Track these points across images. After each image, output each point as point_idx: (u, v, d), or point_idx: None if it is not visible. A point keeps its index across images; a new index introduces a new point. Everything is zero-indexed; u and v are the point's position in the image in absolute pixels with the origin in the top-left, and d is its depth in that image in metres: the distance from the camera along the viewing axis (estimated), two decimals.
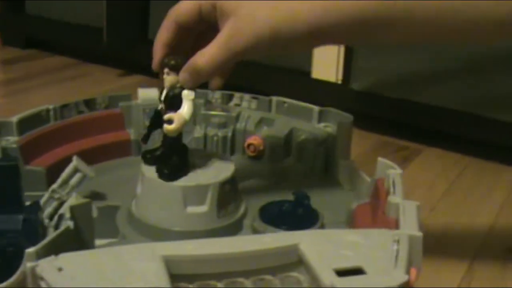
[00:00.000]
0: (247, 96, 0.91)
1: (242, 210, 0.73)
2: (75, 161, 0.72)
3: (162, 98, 0.68)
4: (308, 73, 1.35)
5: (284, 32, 0.62)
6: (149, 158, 0.70)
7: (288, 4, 0.62)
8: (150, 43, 0.70)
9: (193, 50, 0.66)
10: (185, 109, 0.67)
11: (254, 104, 0.90)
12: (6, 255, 0.55)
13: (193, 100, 0.67)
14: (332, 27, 0.62)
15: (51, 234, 0.56)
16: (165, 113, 0.67)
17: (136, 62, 1.47)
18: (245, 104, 0.91)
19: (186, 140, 0.86)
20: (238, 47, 0.62)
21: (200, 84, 0.67)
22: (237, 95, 0.91)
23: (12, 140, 0.77)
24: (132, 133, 0.87)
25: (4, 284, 0.55)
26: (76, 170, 0.72)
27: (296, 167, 0.87)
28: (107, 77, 1.60)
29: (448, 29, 0.62)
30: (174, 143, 0.68)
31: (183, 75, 0.65)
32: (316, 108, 0.87)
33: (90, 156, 0.80)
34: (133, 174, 0.73)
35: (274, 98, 0.90)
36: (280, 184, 0.84)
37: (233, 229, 0.71)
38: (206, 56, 0.63)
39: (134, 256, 0.53)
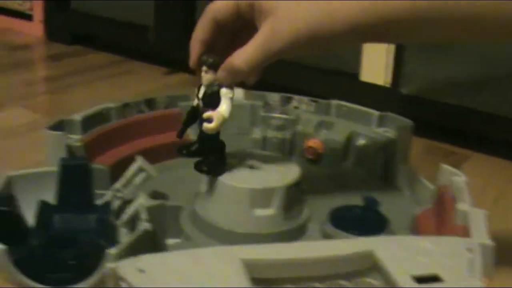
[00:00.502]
0: (305, 99, 0.91)
1: (306, 213, 0.73)
2: (139, 161, 0.72)
3: (200, 95, 0.67)
4: (356, 76, 1.35)
5: (321, 32, 0.62)
6: (185, 153, 0.70)
7: (325, 4, 0.61)
8: None
9: (229, 47, 0.66)
10: (224, 107, 0.66)
11: (312, 107, 0.90)
12: (83, 255, 0.56)
13: (232, 98, 0.67)
14: (369, 26, 0.61)
15: (131, 236, 0.56)
16: (202, 110, 0.66)
17: (182, 61, 1.47)
18: (303, 107, 0.91)
19: (244, 141, 0.86)
20: (276, 48, 0.62)
21: (238, 82, 0.67)
22: (296, 97, 0.91)
23: (76, 138, 0.77)
24: (193, 134, 0.87)
25: (84, 284, 0.55)
26: (140, 170, 0.72)
27: (354, 171, 0.87)
28: (152, 75, 1.60)
29: (487, 27, 0.62)
30: (211, 140, 0.67)
31: (221, 73, 0.65)
32: (376, 113, 0.87)
33: (150, 155, 0.80)
34: (192, 173, 0.73)
35: (334, 102, 0.90)
36: (338, 188, 0.84)
37: (298, 233, 0.71)
38: (244, 56, 0.63)
39: (214, 259, 0.54)
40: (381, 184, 0.83)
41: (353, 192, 0.80)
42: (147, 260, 0.54)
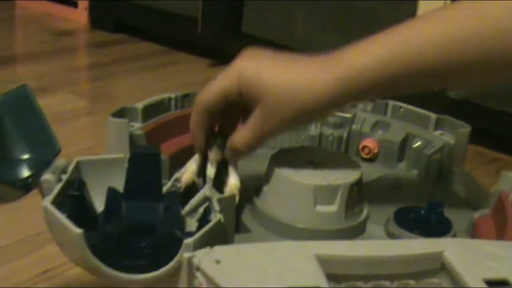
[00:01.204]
0: None
1: (365, 212, 0.73)
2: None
3: (210, 174, 0.70)
4: None
5: (305, 115, 0.67)
6: None
7: (308, 88, 0.65)
8: (243, 36, 0.71)
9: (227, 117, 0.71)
10: (235, 177, 0.70)
11: (369, 106, 0.90)
12: (160, 244, 0.56)
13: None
14: (353, 98, 0.69)
15: (206, 226, 0.57)
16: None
17: (227, 54, 1.48)
18: (360, 106, 0.91)
19: (300, 138, 0.86)
20: (268, 131, 0.67)
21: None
22: None
23: (137, 127, 0.78)
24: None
25: (159, 272, 0.56)
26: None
27: (409, 172, 0.87)
28: (196, 67, 1.61)
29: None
30: None
31: (227, 154, 0.70)
32: (433, 115, 0.87)
33: None
34: (248, 165, 0.74)
35: (391, 102, 0.90)
36: (393, 189, 0.84)
37: (357, 231, 0.71)
38: (241, 139, 0.68)
39: (288, 253, 0.54)
40: (436, 187, 0.83)
41: (409, 193, 0.80)
42: (223, 251, 0.54)
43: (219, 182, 0.70)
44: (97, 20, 1.87)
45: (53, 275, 0.88)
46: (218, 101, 0.68)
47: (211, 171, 0.70)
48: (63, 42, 1.78)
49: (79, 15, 1.90)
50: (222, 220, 0.58)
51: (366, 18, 1.46)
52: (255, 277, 0.51)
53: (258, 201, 0.73)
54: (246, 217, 0.72)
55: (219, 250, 0.54)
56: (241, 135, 0.69)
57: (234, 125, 0.71)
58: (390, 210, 0.73)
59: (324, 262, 0.54)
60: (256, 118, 0.67)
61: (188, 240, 0.54)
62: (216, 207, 0.60)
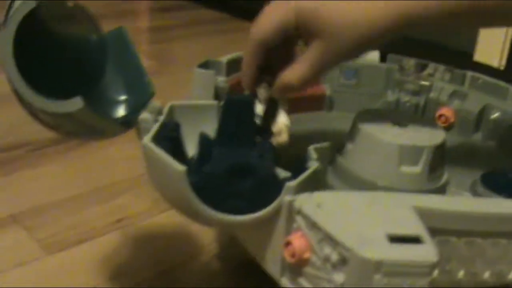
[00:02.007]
0: (441, 68, 0.91)
1: (446, 176, 0.73)
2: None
3: (260, 113, 0.70)
4: (470, 55, 1.34)
5: (365, 43, 0.65)
6: None
7: (368, 15, 0.64)
8: None
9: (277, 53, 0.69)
10: (284, 116, 0.70)
11: (447, 76, 0.90)
12: (261, 185, 0.57)
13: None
14: (412, 24, 0.65)
15: (305, 172, 0.57)
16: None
17: None
18: (438, 76, 0.91)
19: (376, 103, 0.87)
20: (325, 65, 0.66)
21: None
22: (431, 65, 0.91)
23: (223, 79, 0.79)
24: (328, 88, 0.88)
25: (259, 214, 0.56)
26: None
27: (485, 143, 0.87)
28: None
29: None
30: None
31: (276, 91, 0.69)
32: (511, 88, 0.87)
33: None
34: (322, 128, 0.73)
35: (469, 73, 0.90)
36: (468, 157, 0.84)
37: (438, 194, 0.71)
38: (297, 73, 0.66)
39: (388, 203, 0.55)
40: (510, 159, 0.83)
41: (485, 162, 0.80)
42: (324, 196, 0.55)
43: (268, 120, 0.70)
44: None
45: (126, 224, 0.90)
46: (276, 35, 0.67)
47: (260, 108, 0.70)
48: (127, 6, 1.79)
49: None
50: (320, 168, 0.59)
51: None
52: (357, 222, 0.51)
53: (340, 159, 0.73)
54: (329, 175, 0.73)
55: (321, 195, 0.55)
56: (297, 69, 0.67)
57: (285, 61, 0.69)
58: (468, 177, 0.73)
59: (422, 214, 0.54)
60: (314, 50, 0.66)
61: (290, 183, 0.55)
62: (313, 155, 0.60)
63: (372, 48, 0.69)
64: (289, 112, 0.79)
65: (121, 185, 0.99)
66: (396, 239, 0.50)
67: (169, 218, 0.91)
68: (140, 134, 0.64)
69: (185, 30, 1.64)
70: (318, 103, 0.88)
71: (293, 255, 0.54)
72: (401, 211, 0.53)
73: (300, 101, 0.86)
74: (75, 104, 0.59)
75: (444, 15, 0.64)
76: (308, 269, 0.53)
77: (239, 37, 1.59)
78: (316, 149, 0.61)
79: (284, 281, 0.56)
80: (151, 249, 0.86)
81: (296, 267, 0.55)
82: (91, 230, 0.88)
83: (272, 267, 0.57)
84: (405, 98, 0.88)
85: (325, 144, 0.62)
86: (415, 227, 0.51)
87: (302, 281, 0.55)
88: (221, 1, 1.74)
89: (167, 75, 1.20)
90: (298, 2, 0.65)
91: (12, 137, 1.11)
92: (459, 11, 0.63)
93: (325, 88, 0.87)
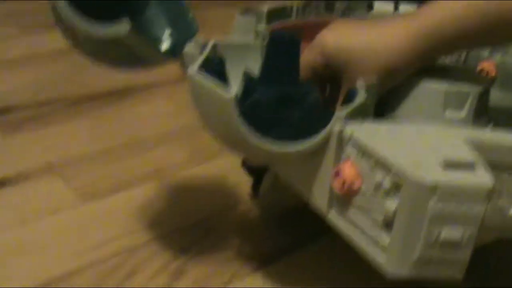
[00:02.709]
0: None
1: (490, 125, 0.72)
2: None
3: None
4: None
5: (389, 74, 0.66)
6: None
7: (388, 46, 0.65)
8: None
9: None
10: None
11: None
12: (311, 114, 0.56)
13: None
14: (433, 52, 0.67)
15: (352, 104, 0.56)
16: None
17: None
18: None
19: None
20: None
21: None
22: None
23: (263, 27, 0.78)
24: None
25: (310, 142, 0.56)
26: None
27: None
28: None
29: None
30: None
31: None
32: None
33: None
34: None
35: None
36: (511, 111, 0.83)
37: None
38: None
39: (441, 134, 0.54)
40: None
41: None
42: (375, 125, 0.54)
43: None
44: None
45: (161, 175, 0.89)
46: (305, 75, 0.67)
47: None
48: None
49: None
50: (366, 101, 0.58)
51: None
52: (410, 149, 0.51)
53: (385, 103, 0.72)
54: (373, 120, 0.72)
55: (371, 124, 0.54)
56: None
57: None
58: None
59: (474, 146, 0.53)
60: (344, 84, 0.67)
61: (339, 113, 0.54)
62: (362, 88, 0.59)
63: (403, 76, 0.68)
64: None
65: (155, 139, 0.99)
66: (451, 165, 0.49)
67: (206, 171, 0.91)
68: (184, 68, 0.63)
69: None
70: None
71: (343, 185, 0.53)
72: (454, 140, 0.52)
73: None
74: (122, 26, 0.58)
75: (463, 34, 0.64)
76: (358, 200, 0.53)
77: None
78: (364, 84, 0.60)
79: (332, 214, 0.56)
80: (188, 199, 0.85)
81: (346, 198, 0.54)
82: (127, 180, 0.88)
83: (319, 200, 0.57)
84: None
85: (373, 79, 0.61)
86: (469, 154, 0.50)
87: (352, 213, 0.54)
88: None
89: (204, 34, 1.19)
90: (323, 39, 0.67)
91: (49, 92, 1.12)
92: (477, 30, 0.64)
93: None
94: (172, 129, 1.00)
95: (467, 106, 0.68)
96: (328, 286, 0.70)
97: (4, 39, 1.35)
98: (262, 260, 0.74)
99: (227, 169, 0.89)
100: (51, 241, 0.75)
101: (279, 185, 0.73)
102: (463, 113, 0.68)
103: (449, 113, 0.68)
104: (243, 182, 0.86)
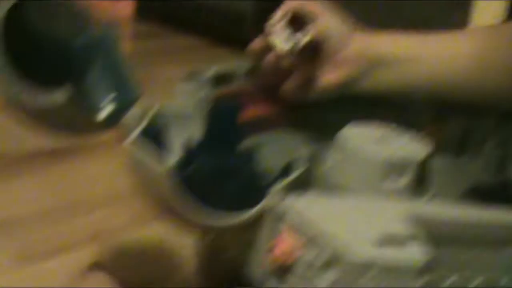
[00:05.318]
0: None
1: (430, 193, 0.72)
2: None
3: None
4: None
5: None
6: None
7: None
8: None
9: None
10: None
11: None
12: (248, 186, 0.56)
13: None
14: None
15: (292, 175, 0.57)
16: None
17: None
18: None
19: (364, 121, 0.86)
20: None
21: None
22: None
23: (207, 92, 0.78)
24: None
25: (246, 215, 0.55)
26: None
27: (470, 163, 0.86)
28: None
29: None
30: None
31: None
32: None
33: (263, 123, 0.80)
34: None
35: None
36: (454, 174, 0.83)
37: None
38: None
39: (377, 207, 0.54)
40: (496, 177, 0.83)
41: (471, 177, 0.80)
42: (311, 199, 0.54)
43: None
44: (143, 11, 1.88)
45: (103, 238, 0.88)
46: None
47: None
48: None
49: (126, 6, 1.91)
50: (307, 172, 0.58)
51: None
52: (345, 224, 0.51)
53: (326, 174, 0.72)
54: (313, 190, 0.72)
55: (308, 198, 0.54)
56: None
57: None
58: (454, 192, 0.73)
59: (410, 220, 0.53)
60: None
61: (277, 186, 0.54)
62: (301, 160, 0.60)
63: None
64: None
65: (99, 200, 0.98)
66: (386, 241, 0.49)
67: (148, 234, 0.90)
68: (124, 136, 0.63)
69: (166, 56, 1.64)
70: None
71: (278, 258, 0.52)
72: (390, 214, 0.52)
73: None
74: (61, 96, 0.58)
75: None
76: (293, 273, 0.52)
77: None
78: (303, 155, 0.61)
79: (269, 285, 0.55)
80: (129, 264, 0.84)
81: (282, 271, 0.53)
82: (66, 243, 0.86)
83: (256, 271, 0.56)
84: (390, 117, 0.87)
85: (312, 150, 0.62)
86: (405, 229, 0.50)
87: (288, 285, 0.53)
88: (204, 28, 1.74)
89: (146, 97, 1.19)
90: None
91: None
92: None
93: None
94: (117, 190, 0.99)
95: (406, 175, 0.68)
96: None
97: None
98: None
99: (170, 231, 0.88)
100: None
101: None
102: (403, 183, 0.69)
103: (389, 183, 0.68)
104: (186, 245, 0.85)
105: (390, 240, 0.49)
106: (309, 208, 0.52)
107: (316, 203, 0.54)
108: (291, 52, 0.75)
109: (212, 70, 0.80)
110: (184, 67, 1.43)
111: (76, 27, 0.65)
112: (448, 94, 0.80)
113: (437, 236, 0.54)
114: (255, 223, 0.55)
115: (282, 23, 0.78)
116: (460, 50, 0.77)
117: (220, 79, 0.82)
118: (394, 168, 0.68)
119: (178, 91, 0.75)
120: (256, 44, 0.81)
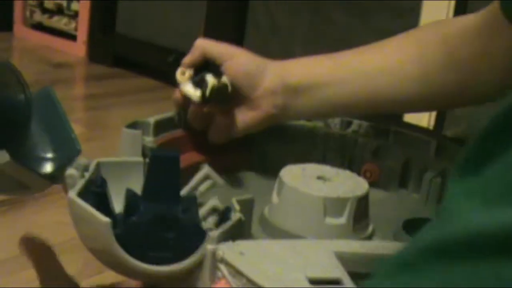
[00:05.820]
0: (364, 124, 0.93)
1: (371, 227, 0.75)
2: (206, 169, 0.73)
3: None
4: (400, 116, 1.37)
5: None
6: None
7: None
8: None
9: None
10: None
11: (371, 132, 0.93)
12: (185, 236, 0.58)
13: None
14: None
15: (227, 223, 0.58)
16: None
17: None
18: (362, 132, 0.93)
19: (305, 161, 0.88)
20: None
21: None
22: (355, 122, 0.94)
23: (150, 139, 0.80)
24: None
25: (183, 264, 0.57)
26: (206, 178, 0.74)
27: (411, 196, 0.89)
28: None
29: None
30: None
31: None
32: (434, 141, 0.90)
33: (218, 164, 0.81)
34: (258, 180, 0.76)
35: (392, 128, 0.92)
36: (394, 210, 0.86)
37: None
38: None
39: (308, 249, 0.56)
40: (437, 209, 0.85)
41: (409, 211, 0.82)
42: (246, 244, 0.56)
43: None
44: (95, 53, 1.89)
45: None
46: None
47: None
48: (61, 74, 1.80)
49: (78, 48, 1.93)
50: (243, 219, 0.60)
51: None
52: (278, 268, 0.52)
53: (267, 213, 0.74)
54: (256, 229, 0.74)
55: (243, 244, 0.56)
56: None
57: None
58: (393, 227, 0.75)
59: (341, 259, 0.55)
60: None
61: (213, 233, 0.56)
62: (236, 206, 0.61)
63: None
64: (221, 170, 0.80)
65: None
66: (317, 283, 0.51)
67: (98, 284, 0.90)
68: (66, 190, 0.64)
69: (119, 98, 1.65)
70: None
71: None
72: (321, 256, 0.54)
73: (230, 160, 0.87)
74: (1, 158, 0.59)
75: None
76: None
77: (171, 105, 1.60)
78: (239, 201, 0.62)
79: None
80: None
81: None
82: None
83: None
84: (330, 155, 0.90)
85: (248, 196, 0.64)
86: (335, 271, 0.53)
87: None
88: (156, 70, 1.76)
89: (99, 141, 1.21)
90: None
91: None
92: None
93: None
94: (65, 240, 1.00)
95: (346, 212, 0.71)
96: None
97: None
98: None
99: (118, 281, 0.89)
100: None
101: None
102: (342, 220, 0.71)
103: (329, 220, 0.70)
104: None
105: (320, 282, 0.51)
106: (243, 253, 0.54)
107: (251, 248, 0.55)
108: (202, 99, 0.76)
109: (152, 119, 0.81)
110: (137, 108, 1.45)
111: (11, 88, 0.67)
112: (374, 107, 0.84)
113: (366, 274, 0.56)
114: (195, 269, 0.57)
115: (191, 70, 0.78)
116: (373, 65, 0.81)
117: (163, 126, 0.83)
118: (334, 205, 0.71)
119: (122, 138, 0.77)
120: (177, 93, 0.83)
